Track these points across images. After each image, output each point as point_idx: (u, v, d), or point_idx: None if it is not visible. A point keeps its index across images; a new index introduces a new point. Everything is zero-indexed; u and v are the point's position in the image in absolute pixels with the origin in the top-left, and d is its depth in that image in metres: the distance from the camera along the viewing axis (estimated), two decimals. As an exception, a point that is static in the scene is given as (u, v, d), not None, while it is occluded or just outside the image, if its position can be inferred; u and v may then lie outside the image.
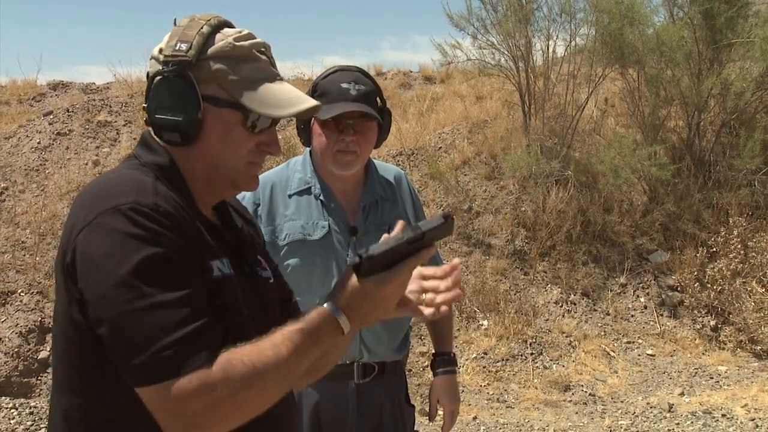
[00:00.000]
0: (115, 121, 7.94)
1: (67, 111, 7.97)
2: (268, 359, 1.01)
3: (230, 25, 1.20)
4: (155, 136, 1.18)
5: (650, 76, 7.18)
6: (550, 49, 7.65)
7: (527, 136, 7.43)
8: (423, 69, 10.42)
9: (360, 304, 1.10)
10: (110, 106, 8.18)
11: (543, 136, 7.36)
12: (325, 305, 1.10)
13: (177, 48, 1.13)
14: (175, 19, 1.22)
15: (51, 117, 7.85)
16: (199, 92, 1.12)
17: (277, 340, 1.03)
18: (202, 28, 1.15)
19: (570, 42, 7.63)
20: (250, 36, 1.18)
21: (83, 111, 7.96)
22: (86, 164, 7.19)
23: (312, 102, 1.18)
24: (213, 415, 0.97)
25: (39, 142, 7.41)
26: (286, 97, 1.17)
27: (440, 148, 7.86)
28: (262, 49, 1.19)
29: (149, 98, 1.15)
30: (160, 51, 1.16)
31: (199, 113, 1.12)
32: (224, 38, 1.15)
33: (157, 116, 1.14)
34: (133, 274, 0.98)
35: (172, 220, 1.04)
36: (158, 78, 1.13)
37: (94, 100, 8.35)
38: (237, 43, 1.15)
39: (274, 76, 1.19)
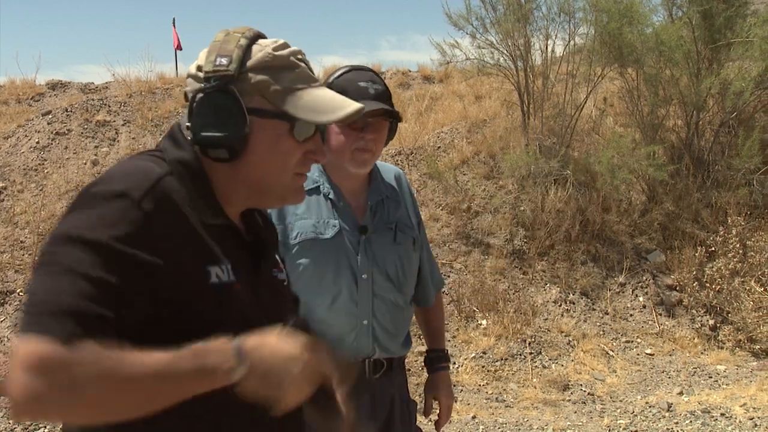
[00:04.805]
0: (114, 121, 7.94)
1: (66, 111, 7.96)
2: (123, 368, 0.91)
3: (263, 36, 1.18)
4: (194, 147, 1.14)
5: (649, 76, 7.18)
6: (549, 49, 7.67)
7: (526, 135, 7.43)
8: (422, 68, 10.41)
9: (268, 354, 1.00)
10: (109, 106, 8.18)
11: (542, 136, 7.38)
12: (230, 341, 0.99)
13: (217, 63, 1.11)
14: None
15: (50, 117, 7.84)
16: (243, 105, 1.10)
17: (153, 356, 0.94)
18: (239, 41, 1.13)
19: (569, 41, 7.65)
20: (286, 45, 1.17)
21: (82, 111, 7.95)
22: (85, 164, 7.19)
23: (356, 105, 1.17)
24: (46, 390, 0.88)
25: (38, 142, 7.41)
26: (330, 102, 1.16)
27: (439, 147, 7.86)
28: (300, 56, 1.17)
29: (193, 116, 1.12)
30: (199, 68, 1.14)
31: (246, 127, 1.10)
32: (262, 49, 1.14)
33: (203, 134, 1.11)
34: (78, 241, 0.96)
35: (150, 220, 1.01)
36: (200, 95, 1.11)
37: (93, 99, 8.34)
38: (276, 53, 1.14)
39: (314, 82, 1.17)
